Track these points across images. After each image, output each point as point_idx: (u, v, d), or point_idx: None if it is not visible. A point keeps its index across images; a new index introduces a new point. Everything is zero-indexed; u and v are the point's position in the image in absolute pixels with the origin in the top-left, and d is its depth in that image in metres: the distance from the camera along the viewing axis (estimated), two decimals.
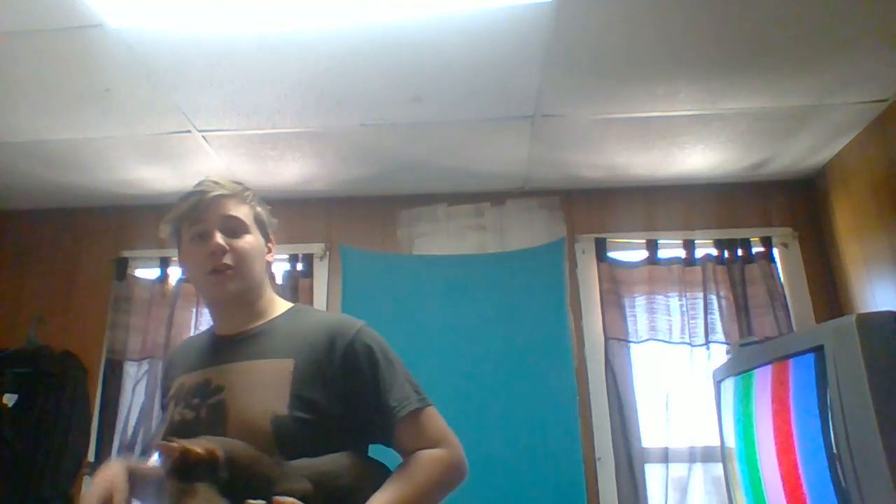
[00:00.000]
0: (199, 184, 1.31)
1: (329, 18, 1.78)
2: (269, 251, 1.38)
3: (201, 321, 2.77)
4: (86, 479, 2.58)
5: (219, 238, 1.25)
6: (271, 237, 1.40)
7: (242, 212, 1.30)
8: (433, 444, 1.19)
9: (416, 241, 2.84)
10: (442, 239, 2.83)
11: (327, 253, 2.84)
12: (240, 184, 1.35)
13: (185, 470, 1.00)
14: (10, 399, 2.55)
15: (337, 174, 2.71)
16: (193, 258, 1.28)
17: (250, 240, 1.30)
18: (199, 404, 1.18)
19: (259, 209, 1.36)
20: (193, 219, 1.28)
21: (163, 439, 1.09)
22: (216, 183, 1.30)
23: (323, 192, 2.86)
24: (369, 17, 1.78)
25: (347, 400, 1.19)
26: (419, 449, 1.19)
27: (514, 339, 2.59)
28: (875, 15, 1.79)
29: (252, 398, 1.15)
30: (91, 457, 2.60)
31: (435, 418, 1.22)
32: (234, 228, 1.28)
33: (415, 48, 1.91)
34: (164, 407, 1.33)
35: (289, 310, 1.34)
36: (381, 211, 2.90)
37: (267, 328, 1.29)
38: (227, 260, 1.25)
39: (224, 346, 1.28)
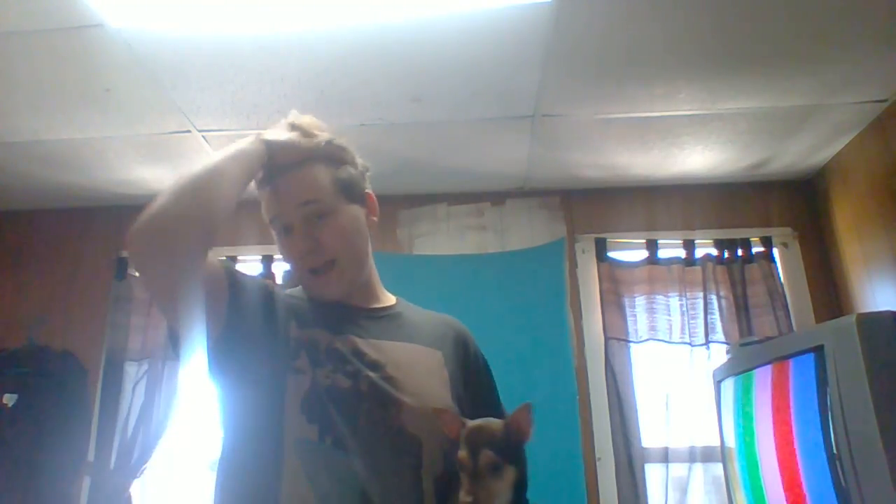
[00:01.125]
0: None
1: (329, 19, 1.78)
2: (370, 210, 1.20)
3: None
4: (86, 479, 2.58)
5: (301, 240, 1.08)
6: (367, 193, 1.20)
7: (319, 186, 1.09)
8: None
9: (416, 241, 2.84)
10: (442, 239, 2.83)
11: None
12: (314, 135, 1.12)
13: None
14: (10, 399, 2.55)
15: None
16: (287, 253, 1.13)
17: (338, 223, 1.11)
18: (358, 374, 1.04)
19: (341, 170, 1.14)
20: (271, 210, 1.12)
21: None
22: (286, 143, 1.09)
23: None
24: (370, 18, 1.78)
25: (472, 403, 1.17)
26: None
27: (514, 339, 2.58)
28: (875, 15, 1.79)
29: (422, 384, 1.08)
30: (91, 457, 2.60)
31: None
32: (318, 213, 1.09)
33: (415, 48, 1.91)
34: (274, 338, 1.06)
35: (400, 300, 1.27)
36: (382, 211, 2.84)
37: (397, 312, 1.20)
38: (324, 257, 1.09)
39: (358, 318, 1.13)
